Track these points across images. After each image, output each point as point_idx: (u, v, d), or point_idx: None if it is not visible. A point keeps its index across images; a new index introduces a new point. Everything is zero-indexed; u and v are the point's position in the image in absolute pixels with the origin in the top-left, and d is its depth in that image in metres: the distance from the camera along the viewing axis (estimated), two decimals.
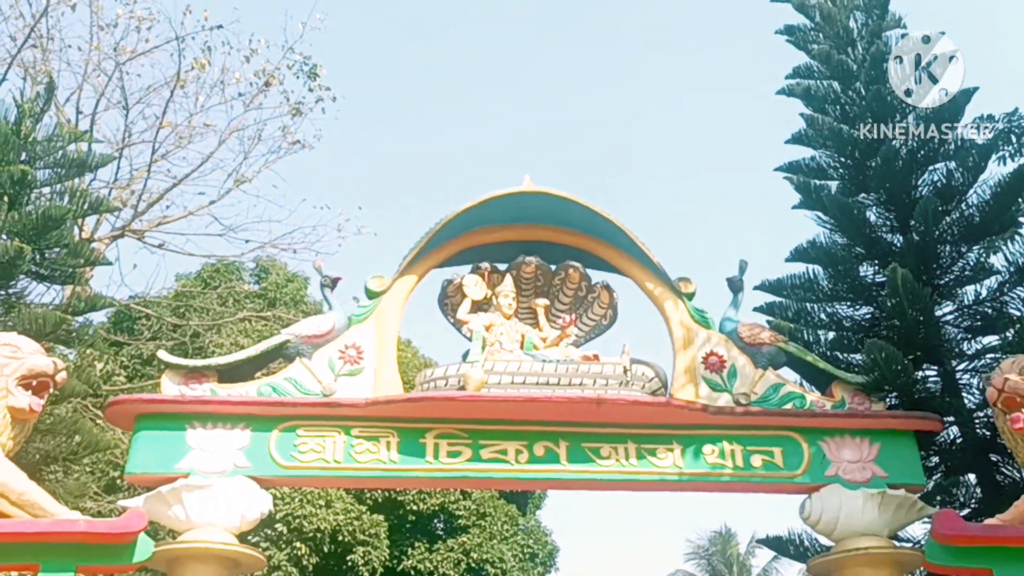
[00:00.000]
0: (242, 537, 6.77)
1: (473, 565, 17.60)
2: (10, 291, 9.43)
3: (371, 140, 54.78)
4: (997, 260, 8.20)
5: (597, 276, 8.09)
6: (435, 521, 18.46)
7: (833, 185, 9.17)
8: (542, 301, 7.97)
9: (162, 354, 7.16)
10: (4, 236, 9.05)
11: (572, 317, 7.90)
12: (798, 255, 8.88)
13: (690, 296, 7.78)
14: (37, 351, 6.05)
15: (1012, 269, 7.98)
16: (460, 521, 17.99)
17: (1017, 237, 8.06)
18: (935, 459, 8.03)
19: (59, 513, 5.75)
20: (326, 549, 15.93)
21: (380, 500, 17.30)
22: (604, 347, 7.88)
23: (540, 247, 8.03)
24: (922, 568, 7.36)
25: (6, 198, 9.32)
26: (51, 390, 6.09)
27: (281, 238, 16.87)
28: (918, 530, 7.85)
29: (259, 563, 6.91)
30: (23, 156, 9.62)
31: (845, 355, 8.28)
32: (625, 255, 7.94)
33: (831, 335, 8.55)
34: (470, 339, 7.63)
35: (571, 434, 7.11)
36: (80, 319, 10.38)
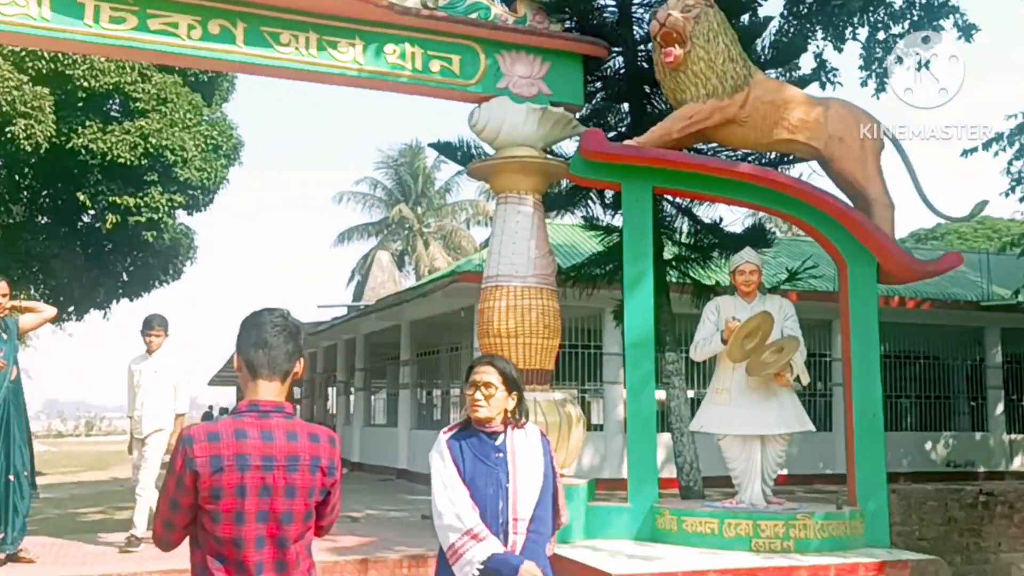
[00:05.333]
0: None
1: (151, 150, 16.97)
2: None
3: None
4: None
5: None
6: (110, 101, 17.34)
7: None
8: None
9: None
10: None
11: None
12: None
13: None
14: None
15: None
16: (138, 104, 17.01)
17: None
18: (598, 84, 8.68)
19: None
20: None
21: (45, 72, 15.83)
22: None
23: None
24: (567, 180, 8.24)
25: None
26: None
27: None
28: (570, 147, 8.61)
29: None
30: None
31: None
32: None
33: None
34: None
35: (250, 15, 6.80)
36: None
